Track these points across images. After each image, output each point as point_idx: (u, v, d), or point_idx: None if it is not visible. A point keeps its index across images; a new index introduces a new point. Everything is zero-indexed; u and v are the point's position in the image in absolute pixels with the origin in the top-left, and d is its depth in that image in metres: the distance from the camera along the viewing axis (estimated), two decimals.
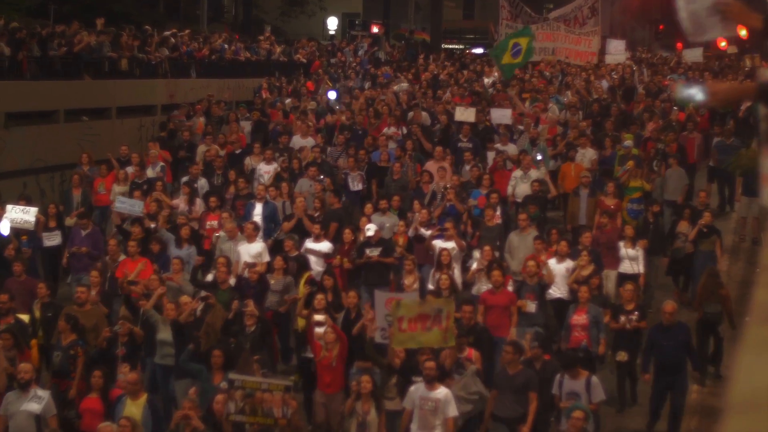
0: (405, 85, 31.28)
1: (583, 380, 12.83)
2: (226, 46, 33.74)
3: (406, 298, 13.73)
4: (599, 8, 39.54)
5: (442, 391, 12.27)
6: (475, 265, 16.65)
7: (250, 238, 17.24)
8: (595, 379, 12.96)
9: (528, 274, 15.53)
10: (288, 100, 29.38)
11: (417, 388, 12.38)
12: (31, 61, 24.60)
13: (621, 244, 17.46)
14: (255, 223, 17.69)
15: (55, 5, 33.22)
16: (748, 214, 22.00)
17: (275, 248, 17.71)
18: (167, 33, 31.83)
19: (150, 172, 21.29)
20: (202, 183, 20.72)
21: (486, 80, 32.98)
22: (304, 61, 37.13)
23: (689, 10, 5.33)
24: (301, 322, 15.25)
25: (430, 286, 15.99)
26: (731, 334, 15.49)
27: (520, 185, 20.68)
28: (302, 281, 15.91)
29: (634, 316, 14.83)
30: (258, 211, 18.92)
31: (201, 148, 23.29)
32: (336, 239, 17.98)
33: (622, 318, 14.87)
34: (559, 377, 12.93)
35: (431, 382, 12.26)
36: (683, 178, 21.50)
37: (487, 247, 16.58)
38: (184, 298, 14.82)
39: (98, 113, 26.89)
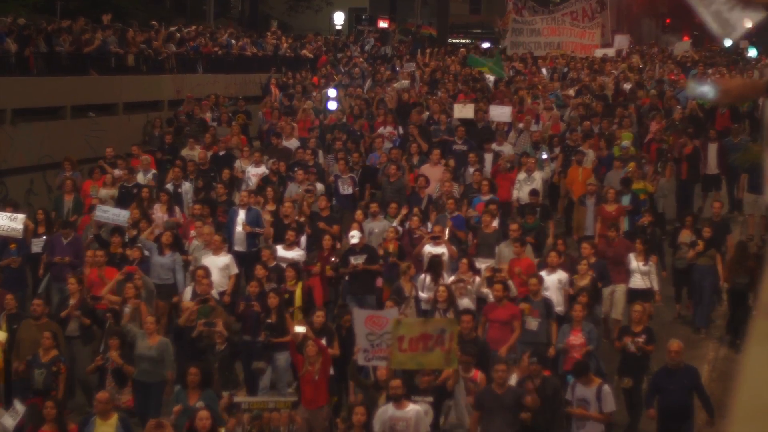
0: (406, 83, 30.44)
1: (594, 388, 12.55)
2: (233, 41, 33.69)
3: (407, 317, 13.06)
4: (607, 2, 39.53)
5: (412, 409, 11.80)
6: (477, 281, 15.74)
7: (218, 250, 16.61)
8: (606, 388, 12.62)
9: (531, 291, 14.84)
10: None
11: (385, 410, 11.85)
12: (37, 57, 24.61)
13: (632, 256, 16.61)
14: (223, 236, 17.14)
15: (62, 1, 33.21)
16: (754, 211, 21.74)
17: (256, 256, 17.19)
18: (173, 28, 31.81)
19: (141, 178, 20.57)
20: (186, 188, 20.05)
21: (489, 76, 32.70)
22: (311, 56, 37.08)
23: (711, 12, 5.25)
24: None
25: (422, 294, 15.43)
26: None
27: (524, 188, 19.98)
28: (298, 291, 15.41)
29: (641, 339, 13.94)
30: (241, 218, 18.22)
31: (184, 151, 22.58)
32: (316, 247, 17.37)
33: (628, 340, 14.02)
34: (572, 382, 12.66)
35: (398, 401, 11.74)
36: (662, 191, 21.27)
37: (485, 265, 15.92)
38: (186, 303, 14.59)
39: (105, 109, 26.91)
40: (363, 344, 12.71)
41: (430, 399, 12.33)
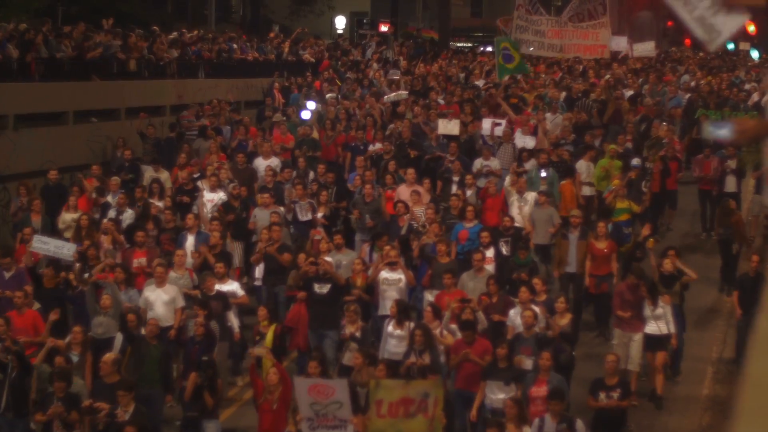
0: (404, 93, 28.31)
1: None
2: (234, 45, 33.67)
3: (387, 379, 11.81)
4: (608, 4, 39.53)
5: None
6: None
7: (162, 283, 15.22)
8: (580, 423, 12.00)
9: (525, 326, 13.79)
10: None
11: None
12: (39, 63, 24.61)
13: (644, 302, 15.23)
14: (165, 267, 15.58)
15: (63, 6, 33.25)
16: (759, 212, 21.60)
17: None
18: (175, 34, 31.81)
19: (110, 200, 19.49)
20: (128, 215, 18.70)
21: (477, 83, 31.81)
22: (312, 60, 37.05)
23: (694, 19, 5.25)
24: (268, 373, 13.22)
25: (390, 340, 14.17)
26: (742, 252, 19.83)
27: (513, 210, 18.73)
28: (270, 331, 14.29)
29: (616, 393, 13.06)
30: (190, 243, 17.08)
31: (149, 173, 21.16)
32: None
33: (602, 395, 13.06)
34: (538, 421, 11.85)
35: None
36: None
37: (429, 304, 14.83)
38: (108, 356, 13.26)
39: (107, 114, 26.90)
40: (306, 413, 11.17)
41: None
